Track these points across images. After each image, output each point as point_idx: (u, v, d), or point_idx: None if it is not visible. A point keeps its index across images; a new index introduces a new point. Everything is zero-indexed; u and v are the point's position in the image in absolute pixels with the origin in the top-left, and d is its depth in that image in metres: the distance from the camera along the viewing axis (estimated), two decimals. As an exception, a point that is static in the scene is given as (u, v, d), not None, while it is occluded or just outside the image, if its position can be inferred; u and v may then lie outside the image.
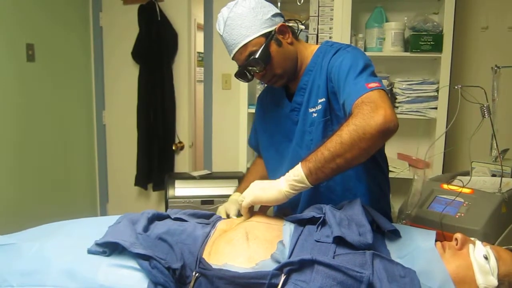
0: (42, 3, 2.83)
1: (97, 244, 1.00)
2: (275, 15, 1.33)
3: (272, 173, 1.50)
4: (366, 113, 1.05)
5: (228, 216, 1.39)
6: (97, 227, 1.10)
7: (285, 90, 1.46)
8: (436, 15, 2.61)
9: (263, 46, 1.28)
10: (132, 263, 0.98)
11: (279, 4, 2.58)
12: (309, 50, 1.41)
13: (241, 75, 1.37)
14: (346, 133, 1.05)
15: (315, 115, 1.34)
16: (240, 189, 1.55)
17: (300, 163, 1.11)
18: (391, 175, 1.50)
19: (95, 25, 3.31)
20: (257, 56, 1.28)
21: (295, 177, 1.11)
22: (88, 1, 3.28)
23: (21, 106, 2.70)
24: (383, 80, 1.81)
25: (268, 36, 1.30)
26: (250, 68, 1.32)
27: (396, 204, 1.53)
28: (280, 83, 1.39)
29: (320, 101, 1.32)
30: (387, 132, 1.04)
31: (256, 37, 1.28)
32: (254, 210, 1.22)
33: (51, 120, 2.96)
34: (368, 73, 1.20)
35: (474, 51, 2.71)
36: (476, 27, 2.70)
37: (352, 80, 1.18)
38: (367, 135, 1.03)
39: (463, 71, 2.70)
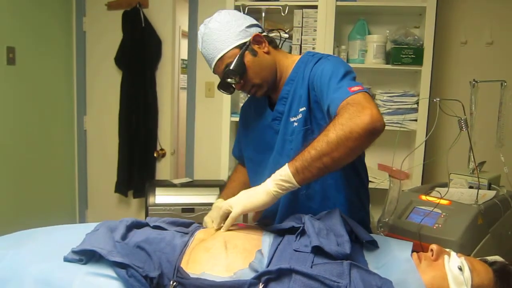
0: (24, 6, 2.79)
1: (74, 252, 0.99)
2: (250, 26, 1.34)
3: (254, 182, 1.50)
4: (353, 113, 1.05)
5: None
6: (74, 235, 1.09)
7: (268, 100, 1.47)
8: (417, 29, 2.67)
9: (237, 57, 1.30)
10: (109, 271, 0.96)
11: (263, 14, 2.60)
12: (291, 60, 1.42)
13: (222, 87, 1.39)
14: (332, 132, 1.04)
15: (295, 124, 1.34)
16: (223, 195, 1.54)
17: (287, 163, 1.10)
18: (371, 185, 1.51)
19: (78, 30, 3.27)
20: (231, 67, 1.29)
21: (281, 177, 1.09)
22: (71, 6, 3.25)
23: (-1, 110, 2.66)
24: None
25: (242, 47, 1.31)
26: (227, 79, 1.33)
27: (376, 215, 1.54)
28: (261, 93, 1.39)
29: (301, 110, 1.33)
30: (374, 131, 1.03)
31: (231, 49, 1.30)
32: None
33: (31, 125, 2.91)
34: (350, 78, 1.21)
35: (453, 65, 2.78)
36: (456, 42, 2.76)
37: (335, 86, 1.18)
38: (354, 134, 1.02)
39: (442, 84, 2.76)
